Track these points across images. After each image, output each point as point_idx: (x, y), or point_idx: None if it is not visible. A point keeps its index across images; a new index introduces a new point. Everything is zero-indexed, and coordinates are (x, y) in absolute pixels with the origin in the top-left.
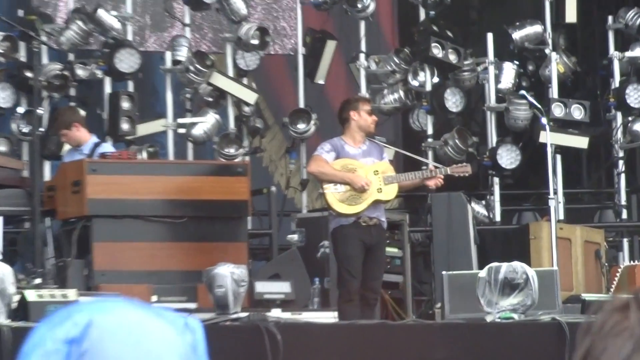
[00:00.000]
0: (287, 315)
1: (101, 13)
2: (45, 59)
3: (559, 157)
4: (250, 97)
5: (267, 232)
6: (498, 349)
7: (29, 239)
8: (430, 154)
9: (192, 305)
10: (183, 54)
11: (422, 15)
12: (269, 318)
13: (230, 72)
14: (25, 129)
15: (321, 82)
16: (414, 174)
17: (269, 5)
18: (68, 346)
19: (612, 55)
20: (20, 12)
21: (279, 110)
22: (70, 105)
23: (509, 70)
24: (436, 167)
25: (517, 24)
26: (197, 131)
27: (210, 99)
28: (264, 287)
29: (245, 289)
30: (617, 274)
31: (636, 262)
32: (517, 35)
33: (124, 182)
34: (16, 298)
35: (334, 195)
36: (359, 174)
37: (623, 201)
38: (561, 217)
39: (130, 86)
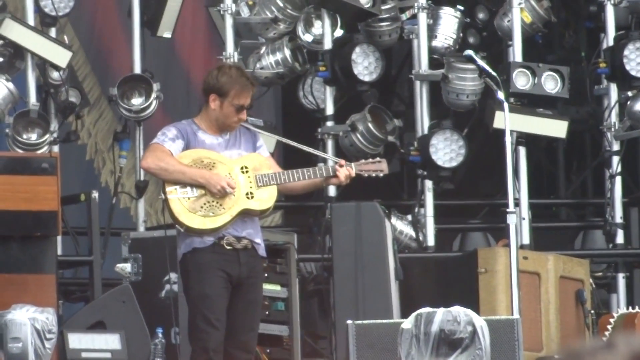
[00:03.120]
0: None
1: None
2: None
3: (523, 150)
4: (62, 56)
5: (86, 259)
6: None
7: None
8: (329, 144)
9: None
10: None
11: None
12: None
13: (31, 20)
14: None
15: (167, 35)
16: (304, 171)
17: None
18: None
19: None
20: None
21: (107, 77)
22: None
23: (449, 19)
24: (337, 163)
25: None
26: None
27: None
28: (81, 342)
29: (54, 343)
30: (609, 326)
31: (637, 308)
32: None
33: None
34: None
35: (181, 202)
36: (219, 172)
37: (618, 218)
38: (526, 240)
39: None
